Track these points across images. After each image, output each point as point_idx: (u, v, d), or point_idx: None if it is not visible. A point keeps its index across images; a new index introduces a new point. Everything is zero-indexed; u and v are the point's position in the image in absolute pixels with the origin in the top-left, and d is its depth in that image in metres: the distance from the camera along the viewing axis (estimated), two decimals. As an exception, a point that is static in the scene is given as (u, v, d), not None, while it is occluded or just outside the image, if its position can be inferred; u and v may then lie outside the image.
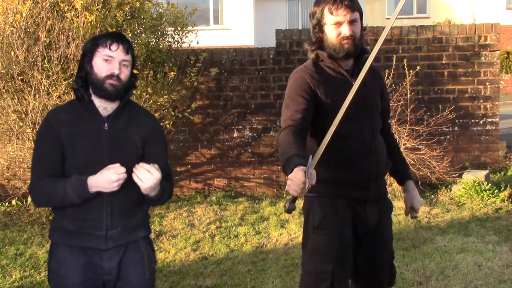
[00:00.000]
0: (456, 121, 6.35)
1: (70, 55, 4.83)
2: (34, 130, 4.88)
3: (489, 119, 6.40)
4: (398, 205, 4.98)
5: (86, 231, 2.09)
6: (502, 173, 6.32)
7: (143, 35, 5.46)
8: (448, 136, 6.39)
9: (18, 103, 5.01)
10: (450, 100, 6.36)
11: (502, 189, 5.53)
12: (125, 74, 2.10)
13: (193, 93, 6.13)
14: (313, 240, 2.27)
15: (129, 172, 1.98)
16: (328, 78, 2.28)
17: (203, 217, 5.42)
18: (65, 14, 4.86)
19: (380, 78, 2.50)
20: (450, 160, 6.18)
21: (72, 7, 4.85)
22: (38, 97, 4.83)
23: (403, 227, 4.83)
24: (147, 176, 1.96)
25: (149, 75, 5.34)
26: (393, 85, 5.94)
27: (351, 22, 2.21)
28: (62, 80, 4.85)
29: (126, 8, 5.16)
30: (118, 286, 2.17)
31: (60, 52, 4.82)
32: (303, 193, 1.88)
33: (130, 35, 5.17)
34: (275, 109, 6.29)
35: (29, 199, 5.32)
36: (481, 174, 5.82)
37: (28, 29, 4.86)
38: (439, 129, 6.25)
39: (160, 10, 5.82)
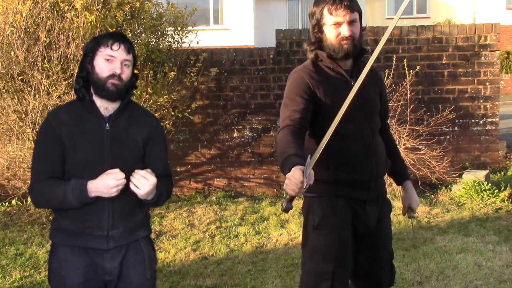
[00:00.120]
0: (456, 121, 6.35)
1: (70, 55, 4.83)
2: (34, 130, 4.88)
3: (489, 119, 6.40)
4: (398, 205, 4.98)
5: (87, 232, 2.09)
6: (502, 173, 6.32)
7: (143, 35, 5.46)
8: (448, 136, 6.39)
9: (18, 103, 5.01)
10: (450, 100, 6.36)
11: (502, 189, 5.53)
12: (126, 74, 2.10)
13: (193, 93, 6.13)
14: (313, 240, 2.27)
15: (129, 174, 1.99)
16: (327, 78, 2.28)
17: (203, 217, 5.42)
18: (65, 14, 4.86)
19: (379, 78, 2.50)
20: (450, 160, 6.18)
21: (72, 7, 4.85)
22: (38, 97, 4.83)
23: (403, 227, 4.83)
24: (143, 182, 1.97)
25: (149, 75, 5.34)
26: (393, 85, 5.94)
27: (351, 23, 2.21)
28: (62, 80, 4.85)
29: (126, 8, 5.16)
30: (119, 286, 2.17)
31: (60, 52, 4.82)
32: (301, 193, 1.88)
33: (130, 35, 5.17)
34: (275, 109, 6.28)
35: (29, 199, 5.32)
36: (481, 174, 5.82)
37: (28, 29, 4.86)
38: (439, 129, 6.25)
39: (160, 10, 5.82)
